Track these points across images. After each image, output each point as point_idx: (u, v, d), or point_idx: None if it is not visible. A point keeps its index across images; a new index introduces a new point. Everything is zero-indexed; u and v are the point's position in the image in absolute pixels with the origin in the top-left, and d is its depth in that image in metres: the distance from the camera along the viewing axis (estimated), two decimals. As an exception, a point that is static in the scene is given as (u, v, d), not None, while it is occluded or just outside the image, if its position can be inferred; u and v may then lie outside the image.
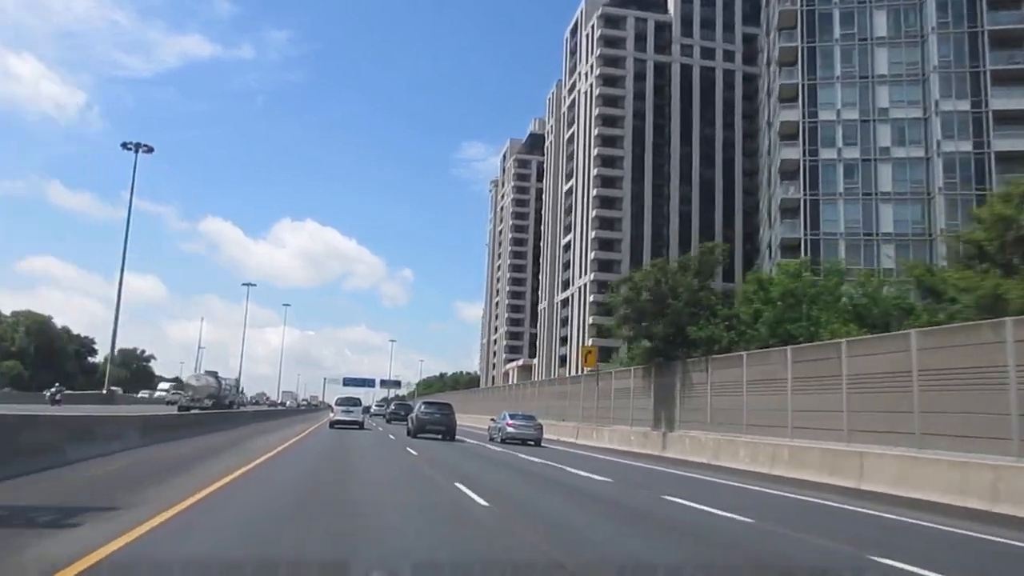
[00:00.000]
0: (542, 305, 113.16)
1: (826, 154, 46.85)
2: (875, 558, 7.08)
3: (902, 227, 50.81)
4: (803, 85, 55.12)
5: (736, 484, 15.59)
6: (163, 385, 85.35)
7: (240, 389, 68.94)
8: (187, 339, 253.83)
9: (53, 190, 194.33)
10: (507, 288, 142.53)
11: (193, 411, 35.46)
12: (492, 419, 33.68)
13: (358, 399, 38.10)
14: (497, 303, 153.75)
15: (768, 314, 27.05)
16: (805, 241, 53.84)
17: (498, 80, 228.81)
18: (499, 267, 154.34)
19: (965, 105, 50.30)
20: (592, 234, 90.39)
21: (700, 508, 10.73)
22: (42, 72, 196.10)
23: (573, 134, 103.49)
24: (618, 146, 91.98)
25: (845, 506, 12.03)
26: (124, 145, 57.17)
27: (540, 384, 51.23)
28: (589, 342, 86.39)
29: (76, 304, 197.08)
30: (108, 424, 15.34)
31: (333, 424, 34.03)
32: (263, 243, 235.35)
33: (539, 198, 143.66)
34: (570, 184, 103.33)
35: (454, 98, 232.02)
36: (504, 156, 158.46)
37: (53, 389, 45.35)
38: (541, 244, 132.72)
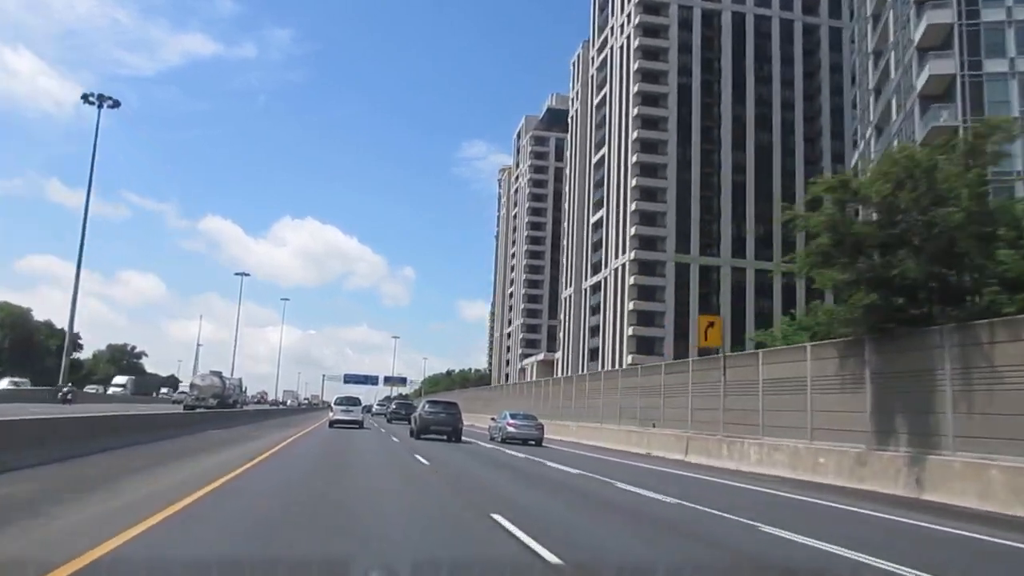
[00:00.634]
0: (566, 293, 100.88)
1: (993, 67, 34.49)
2: None
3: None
4: None
5: None
6: (118, 379, 76.89)
7: (244, 388, 68.95)
8: (188, 338, 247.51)
9: (52, 188, 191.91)
10: (523, 276, 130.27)
11: (198, 410, 36.03)
12: (492, 418, 32.36)
13: (358, 398, 37.32)
14: (511, 294, 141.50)
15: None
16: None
17: (499, 79, 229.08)
18: (513, 254, 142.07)
19: None
20: (631, 206, 78.07)
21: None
22: (42, 70, 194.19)
23: (605, 97, 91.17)
24: (661, 105, 79.68)
25: None
26: (85, 98, 46.03)
27: (588, 378, 39.30)
28: (630, 331, 74.20)
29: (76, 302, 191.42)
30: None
31: (332, 423, 33.03)
32: (264, 242, 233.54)
33: (559, 178, 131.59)
34: (601, 154, 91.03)
35: (455, 97, 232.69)
36: (519, 135, 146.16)
37: (65, 389, 45.22)
38: (563, 227, 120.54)
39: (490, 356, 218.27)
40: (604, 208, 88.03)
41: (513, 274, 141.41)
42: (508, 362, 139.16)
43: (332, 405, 36.85)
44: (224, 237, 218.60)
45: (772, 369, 20.54)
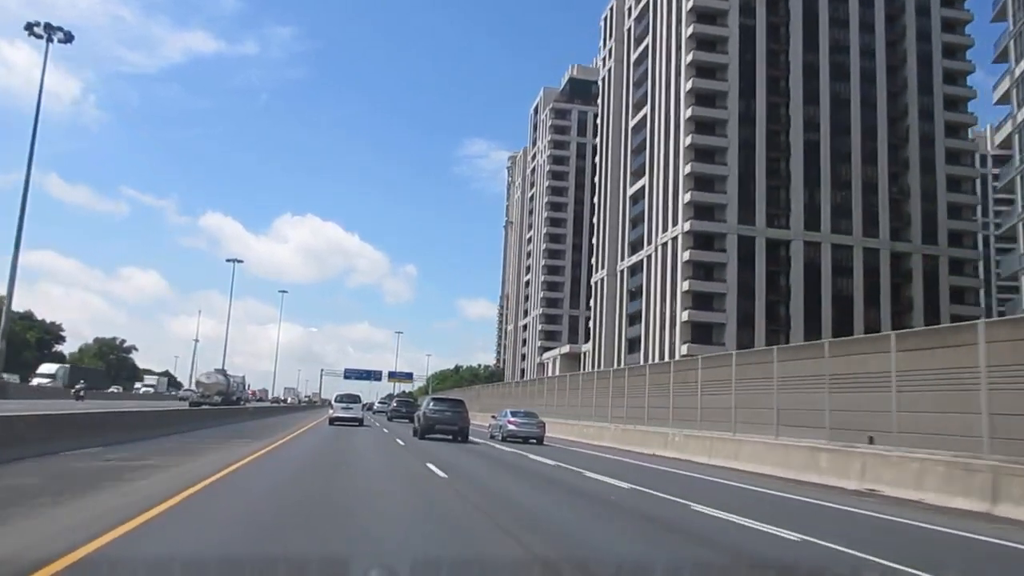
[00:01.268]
0: (598, 276, 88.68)
1: None
2: None
3: None
4: None
5: None
6: (45, 368, 66.87)
7: (247, 386, 69.06)
8: (188, 334, 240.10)
9: (51, 183, 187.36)
10: (542, 263, 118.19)
11: (204, 406, 36.75)
12: (493, 416, 30.97)
13: (358, 396, 36.59)
14: (527, 282, 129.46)
15: None
16: None
17: (500, 77, 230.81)
18: (530, 239, 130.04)
19: None
20: (685, 168, 65.88)
21: None
22: (49, 70, 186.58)
23: (646, 50, 78.99)
24: (719, 51, 67.50)
25: None
26: (29, 28, 33.80)
27: (629, 373, 28.40)
28: (684, 316, 62.15)
29: (76, 299, 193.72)
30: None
31: (332, 421, 32.59)
32: (265, 239, 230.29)
33: (581, 154, 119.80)
34: (641, 115, 78.87)
35: (456, 95, 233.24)
36: (535, 109, 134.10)
37: (78, 386, 47.06)
38: (593, 203, 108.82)
39: (499, 352, 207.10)
40: (646, 176, 75.87)
41: (530, 260, 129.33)
42: (524, 356, 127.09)
43: (332, 402, 36.25)
44: (224, 234, 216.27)
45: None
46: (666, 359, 63.62)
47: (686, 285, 64.26)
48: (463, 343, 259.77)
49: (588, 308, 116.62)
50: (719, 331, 64.09)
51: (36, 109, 31.91)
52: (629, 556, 6.57)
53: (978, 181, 76.80)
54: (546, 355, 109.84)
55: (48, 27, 34.53)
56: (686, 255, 64.65)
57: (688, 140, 65.92)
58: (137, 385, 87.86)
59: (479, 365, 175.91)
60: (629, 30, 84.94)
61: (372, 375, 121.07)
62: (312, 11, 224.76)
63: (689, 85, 66.45)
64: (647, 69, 77.50)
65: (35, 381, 58.35)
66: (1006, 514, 9.90)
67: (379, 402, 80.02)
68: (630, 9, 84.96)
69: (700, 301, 64.28)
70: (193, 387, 54.45)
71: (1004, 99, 51.83)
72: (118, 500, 7.56)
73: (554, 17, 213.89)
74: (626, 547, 7.08)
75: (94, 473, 9.83)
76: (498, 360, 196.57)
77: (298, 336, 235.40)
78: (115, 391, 74.41)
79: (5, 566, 4.76)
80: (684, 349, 62.37)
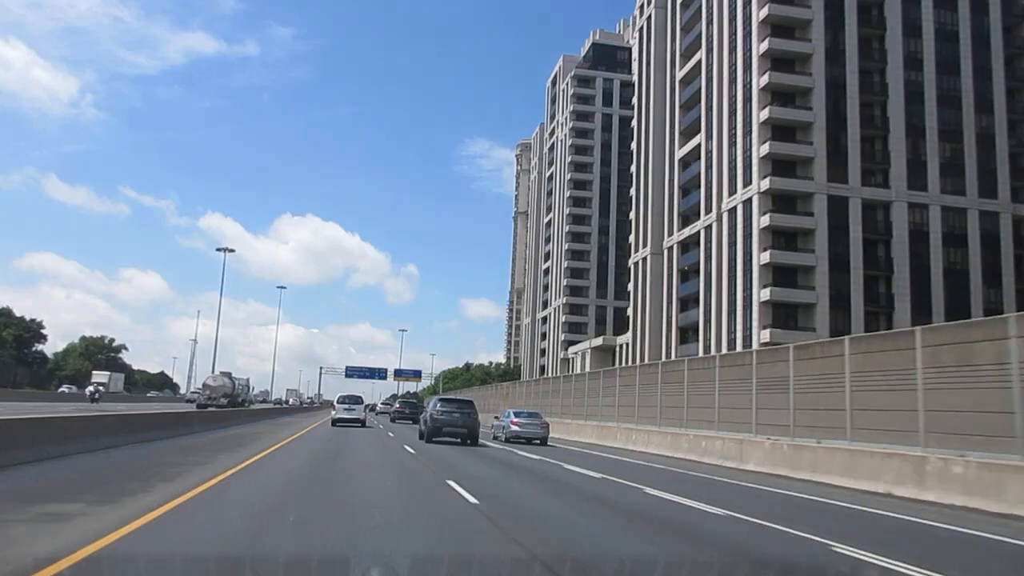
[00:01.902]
0: (638, 257, 76.42)
1: None
2: None
3: None
4: None
5: None
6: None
7: (252, 388, 69.09)
8: (190, 336, 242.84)
9: (50, 184, 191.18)
10: (564, 247, 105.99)
11: (210, 408, 37.81)
12: (496, 417, 29.96)
13: (360, 397, 35.82)
14: (546, 270, 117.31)
15: None
16: None
17: (503, 75, 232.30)
18: (549, 223, 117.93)
19: None
20: (760, 114, 53.65)
21: None
22: (42, 67, 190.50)
23: (699, -16, 66.73)
24: (799, -29, 55.22)
25: None
26: None
27: (691, 364, 20.94)
28: (764, 295, 50.17)
29: (77, 301, 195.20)
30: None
31: (335, 422, 32.67)
32: (265, 239, 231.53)
33: (607, 126, 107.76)
34: (693, 62, 66.61)
35: (458, 95, 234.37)
36: (553, 80, 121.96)
37: (91, 388, 48.27)
38: (624, 177, 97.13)
39: (509, 349, 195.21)
40: (701, 133, 63.63)
41: (549, 246, 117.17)
42: (544, 352, 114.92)
43: (335, 403, 36.00)
44: (225, 234, 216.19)
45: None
46: (738, 348, 51.45)
47: (765, 257, 52.01)
48: (465, 343, 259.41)
49: (618, 296, 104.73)
50: (807, 313, 51.89)
51: None
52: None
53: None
54: (572, 349, 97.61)
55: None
56: (764, 220, 52.41)
57: (764, 80, 53.62)
58: (64, 388, 73.17)
59: (490, 363, 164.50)
60: (674, -32, 72.73)
61: (376, 373, 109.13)
62: (312, 12, 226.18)
63: (764, 13, 54.15)
64: (701, 6, 65.19)
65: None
66: None
67: (382, 403, 77.44)
68: (675, -56, 72.70)
69: (783, 276, 52.07)
70: (199, 388, 54.50)
71: None
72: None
73: (555, 18, 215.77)
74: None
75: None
76: (509, 357, 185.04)
77: (300, 337, 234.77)
78: (65, 391, 68.97)
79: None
80: (766, 336, 50.23)
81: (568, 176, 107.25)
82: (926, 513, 10.06)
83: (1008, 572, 7.06)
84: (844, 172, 52.90)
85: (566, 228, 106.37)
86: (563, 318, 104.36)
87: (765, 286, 51.77)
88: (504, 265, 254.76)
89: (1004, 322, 11.40)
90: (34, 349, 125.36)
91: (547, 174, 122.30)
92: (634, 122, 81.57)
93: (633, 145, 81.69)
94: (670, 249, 69.04)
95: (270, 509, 7.82)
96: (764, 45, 53.85)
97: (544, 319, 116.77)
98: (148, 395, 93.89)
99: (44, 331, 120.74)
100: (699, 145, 64.16)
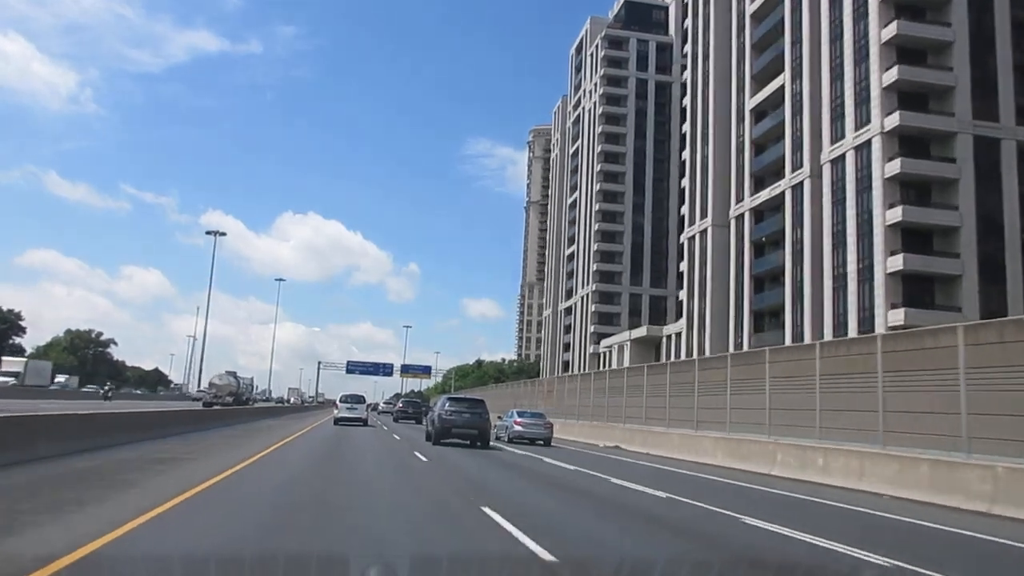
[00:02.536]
0: (695, 229, 64.35)
1: None
2: None
3: None
4: None
5: None
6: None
7: (255, 387, 67.57)
8: (191, 333, 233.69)
9: (50, 181, 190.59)
10: (594, 228, 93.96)
11: (216, 406, 38.02)
12: (499, 416, 28.56)
13: (362, 396, 36.05)
14: (571, 255, 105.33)
15: None
16: None
17: (505, 74, 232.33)
18: (573, 204, 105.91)
19: None
20: (881, 33, 41.56)
21: None
22: (43, 63, 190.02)
23: None
24: None
25: None
26: None
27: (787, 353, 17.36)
28: (896, 263, 38.14)
29: (78, 298, 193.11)
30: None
31: (337, 421, 32.76)
32: (266, 237, 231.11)
33: (642, 94, 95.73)
34: (771, -10, 54.63)
35: (461, 93, 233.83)
36: (578, 47, 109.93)
37: (106, 387, 52.51)
38: (666, 149, 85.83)
39: (520, 345, 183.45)
40: (785, 73, 51.58)
41: (573, 229, 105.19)
42: (568, 346, 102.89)
43: (337, 403, 36.14)
44: (226, 232, 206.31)
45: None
46: (851, 333, 39.54)
47: (893, 215, 39.94)
48: (466, 342, 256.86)
49: (654, 283, 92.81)
50: (948, 288, 39.89)
51: None
52: None
53: None
54: (606, 342, 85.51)
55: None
56: (891, 167, 40.38)
57: (889, -13, 41.61)
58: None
59: (503, 359, 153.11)
60: None
61: (381, 369, 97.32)
62: (315, 10, 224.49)
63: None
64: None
65: None
66: None
67: (384, 403, 74.85)
68: None
69: (914, 241, 40.05)
70: (205, 388, 55.53)
71: None
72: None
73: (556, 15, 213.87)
74: None
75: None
76: (520, 354, 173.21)
77: (301, 335, 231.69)
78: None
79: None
80: (897, 317, 38.24)
81: (598, 149, 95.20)
82: None
83: None
84: (993, 106, 40.89)
85: (596, 207, 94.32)
86: (592, 308, 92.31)
87: (893, 253, 39.72)
88: (508, 263, 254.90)
89: None
90: (12, 342, 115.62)
91: (571, 150, 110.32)
92: (687, 74, 69.68)
93: (686, 101, 69.68)
94: (739, 219, 57.02)
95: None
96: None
97: (568, 310, 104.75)
98: (160, 392, 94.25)
99: (23, 323, 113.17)
100: (781, 88, 52.13)
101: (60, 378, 76.34)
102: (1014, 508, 9.71)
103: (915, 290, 39.45)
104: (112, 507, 6.74)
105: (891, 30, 41.16)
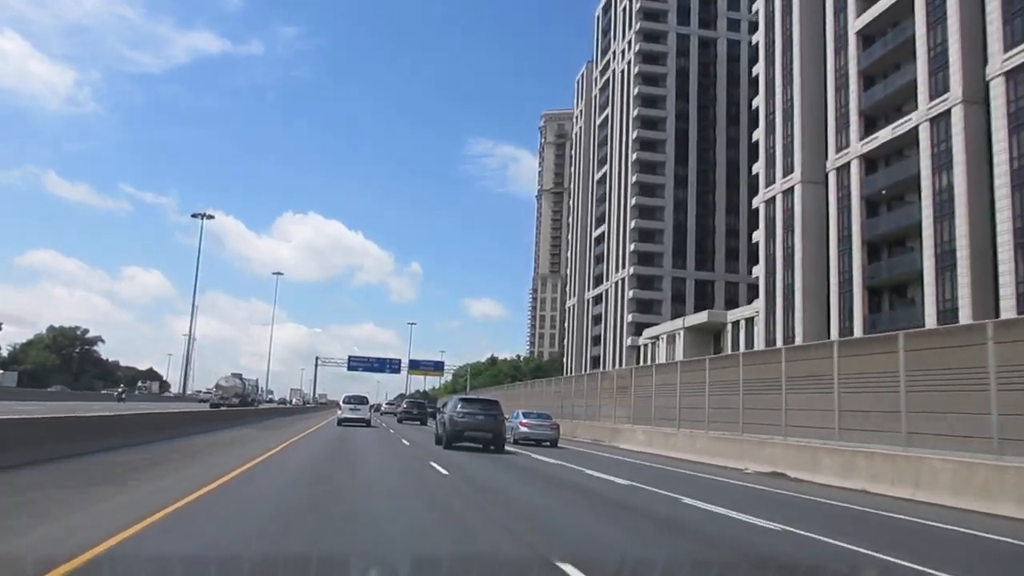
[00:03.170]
0: (777, 188, 52.43)
1: None
2: None
3: None
4: None
5: None
6: None
7: (259, 389, 68.83)
8: (196, 334, 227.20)
9: (50, 181, 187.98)
10: (631, 201, 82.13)
11: (222, 407, 39.12)
12: (504, 417, 25.99)
13: (365, 397, 36.64)
14: (599, 237, 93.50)
15: None
16: None
17: (507, 73, 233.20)
18: (602, 179, 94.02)
19: None
20: None
21: None
22: (44, 63, 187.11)
23: None
24: None
25: None
26: None
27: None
28: None
29: (78, 299, 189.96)
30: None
31: (340, 421, 32.88)
32: (268, 238, 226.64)
33: (684, 50, 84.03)
34: None
35: (462, 93, 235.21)
36: (607, 5, 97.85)
37: (120, 389, 53.87)
38: (708, 112, 74.80)
39: (533, 342, 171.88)
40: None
41: (602, 207, 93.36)
42: (597, 339, 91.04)
43: (340, 404, 36.60)
44: (227, 232, 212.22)
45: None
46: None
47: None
48: (470, 343, 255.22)
49: (700, 267, 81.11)
50: None
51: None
52: None
53: None
54: (650, 332, 73.56)
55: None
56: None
57: None
58: None
59: (518, 356, 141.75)
60: None
61: (386, 365, 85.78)
62: (316, 11, 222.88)
63: None
64: None
65: None
66: None
67: (386, 403, 72.69)
68: None
69: None
70: (211, 388, 55.44)
71: None
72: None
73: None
74: None
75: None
76: (533, 351, 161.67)
77: (302, 336, 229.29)
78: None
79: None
80: None
81: (634, 114, 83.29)
82: None
83: None
84: None
85: (632, 178, 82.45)
86: (630, 294, 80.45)
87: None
88: (510, 263, 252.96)
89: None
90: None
91: (599, 120, 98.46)
92: (757, 3, 57.63)
93: (757, 37, 57.74)
94: (841, 170, 45.16)
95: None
96: None
97: (597, 299, 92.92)
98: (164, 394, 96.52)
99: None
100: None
101: (53, 388, 70.78)
102: None
103: None
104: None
105: None
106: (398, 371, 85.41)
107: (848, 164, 44.58)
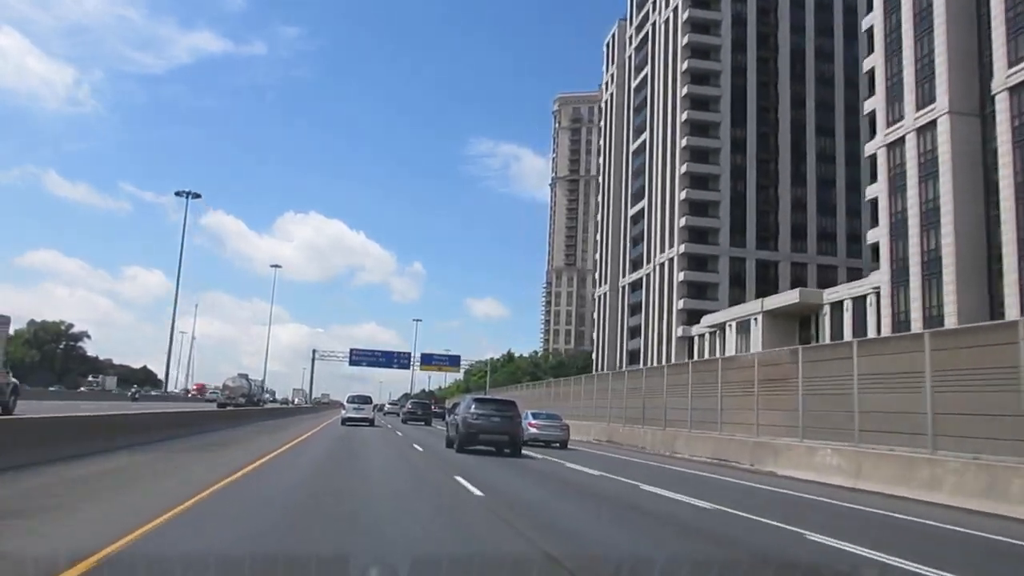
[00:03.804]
0: (905, 127, 40.45)
1: None
2: None
3: None
4: None
5: None
6: None
7: (265, 388, 65.13)
8: (196, 334, 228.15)
9: (50, 180, 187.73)
10: (681, 169, 70.36)
11: (229, 407, 39.29)
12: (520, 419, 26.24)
13: (369, 397, 38.38)
14: (636, 216, 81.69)
15: None
16: None
17: (508, 73, 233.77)
18: (639, 150, 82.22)
19: None
20: None
21: None
22: (45, 63, 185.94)
23: None
24: None
25: None
26: None
27: None
28: None
29: (80, 299, 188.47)
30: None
31: (344, 421, 33.83)
32: (269, 237, 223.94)
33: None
34: None
35: (463, 93, 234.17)
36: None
37: (133, 389, 55.63)
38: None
39: (547, 340, 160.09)
40: None
41: (640, 182, 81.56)
42: (635, 331, 79.16)
43: (344, 404, 37.82)
44: (228, 231, 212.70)
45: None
46: None
47: None
48: (472, 343, 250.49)
49: (760, 245, 69.36)
50: None
51: None
52: None
53: None
54: (710, 319, 61.66)
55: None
56: None
57: None
58: None
59: (535, 352, 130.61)
60: None
61: (394, 359, 74.17)
62: (318, 11, 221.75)
63: None
64: None
65: None
66: None
67: (389, 404, 72.56)
68: None
69: None
70: (219, 387, 56.10)
71: None
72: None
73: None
74: None
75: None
76: (546, 348, 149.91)
77: (304, 336, 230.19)
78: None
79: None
80: None
81: (683, 67, 71.53)
82: None
83: None
84: None
85: (681, 142, 70.67)
86: (679, 276, 68.62)
87: None
88: (511, 262, 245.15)
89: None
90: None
91: (634, 83, 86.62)
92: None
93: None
94: (1014, 91, 33.24)
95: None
96: None
97: (635, 285, 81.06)
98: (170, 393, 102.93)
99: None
100: None
101: (53, 388, 67.93)
102: None
103: None
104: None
105: None
106: (407, 366, 73.95)
107: (1020, 85, 32.70)
